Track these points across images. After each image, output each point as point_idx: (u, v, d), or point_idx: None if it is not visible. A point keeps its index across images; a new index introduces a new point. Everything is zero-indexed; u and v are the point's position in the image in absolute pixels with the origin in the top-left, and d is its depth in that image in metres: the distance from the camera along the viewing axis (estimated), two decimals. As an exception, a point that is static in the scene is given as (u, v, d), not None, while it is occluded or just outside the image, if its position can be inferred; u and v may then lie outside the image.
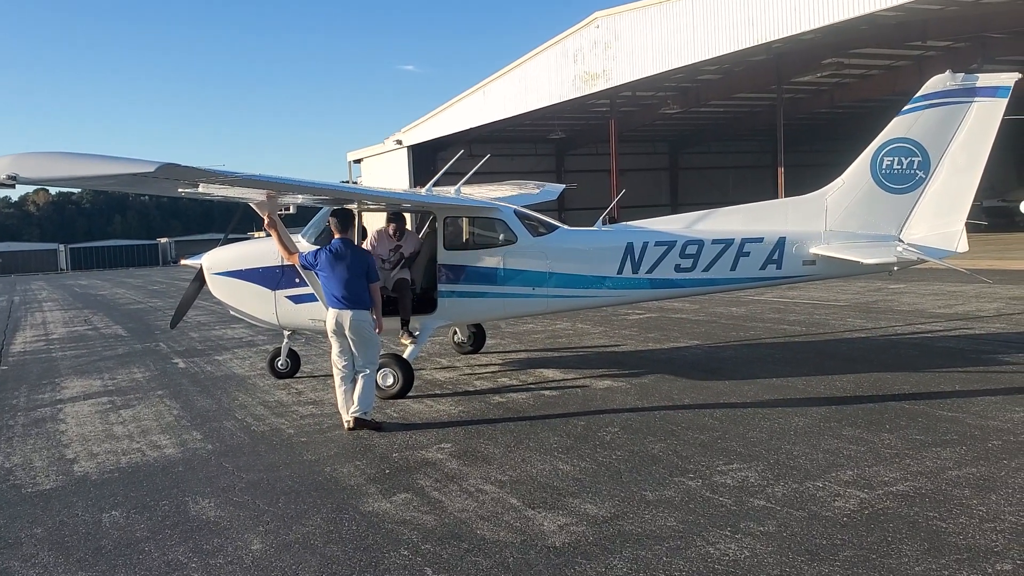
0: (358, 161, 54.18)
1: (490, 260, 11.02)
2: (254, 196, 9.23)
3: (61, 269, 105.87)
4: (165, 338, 18.58)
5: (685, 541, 5.74)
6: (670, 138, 58.05)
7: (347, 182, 49.82)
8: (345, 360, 9.05)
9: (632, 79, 33.40)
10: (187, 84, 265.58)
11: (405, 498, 6.93)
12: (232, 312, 12.17)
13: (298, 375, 12.42)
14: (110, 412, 10.92)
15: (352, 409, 9.00)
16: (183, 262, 13.36)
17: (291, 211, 10.77)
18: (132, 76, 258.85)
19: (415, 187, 38.30)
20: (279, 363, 12.41)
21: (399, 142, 48.17)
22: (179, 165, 5.69)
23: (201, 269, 12.07)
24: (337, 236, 9.06)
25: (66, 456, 8.88)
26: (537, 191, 15.69)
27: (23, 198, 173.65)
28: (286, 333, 12.14)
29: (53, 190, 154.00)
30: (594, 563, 5.47)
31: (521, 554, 5.68)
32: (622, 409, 9.44)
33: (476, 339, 13.54)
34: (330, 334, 9.05)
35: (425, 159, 47.90)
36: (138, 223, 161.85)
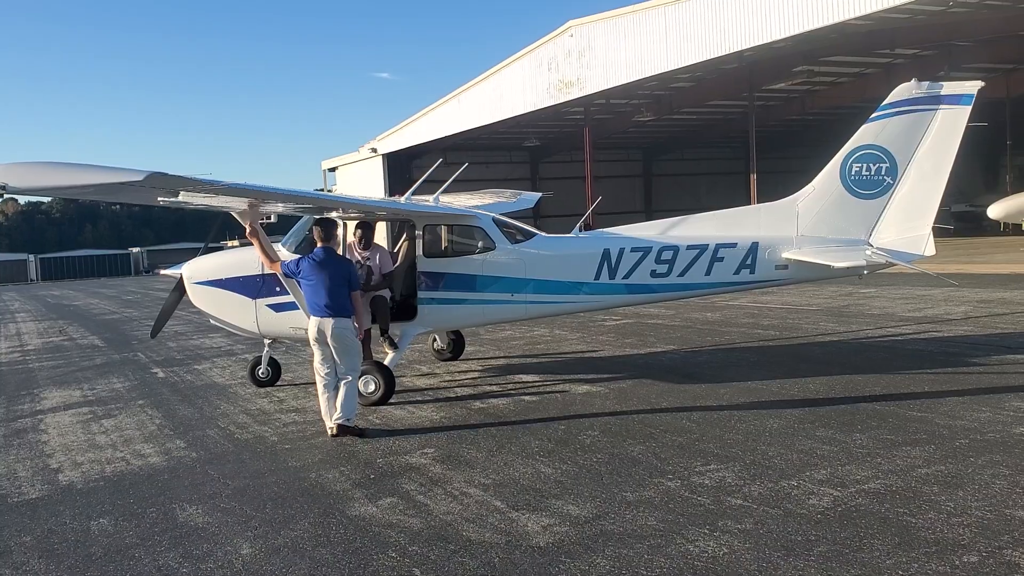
0: (333, 169, 54.15)
1: (469, 267, 11.18)
2: (236, 205, 9.35)
3: (31, 279, 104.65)
4: (143, 348, 18.57)
5: (665, 539, 5.91)
6: (644, 145, 58.54)
7: (322, 191, 49.78)
8: (327, 368, 9.16)
9: (606, 87, 33.72)
10: (160, 92, 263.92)
11: (391, 502, 7.06)
12: (212, 321, 12.24)
13: (279, 383, 12.49)
14: (91, 422, 10.95)
15: (335, 416, 9.11)
16: (162, 272, 13.41)
17: (271, 220, 10.83)
18: (105, 85, 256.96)
19: (393, 196, 38.40)
20: (260, 372, 12.47)
21: (374, 150, 48.25)
22: (167, 174, 5.80)
23: (181, 279, 12.13)
24: (320, 244, 9.17)
25: (50, 466, 8.92)
26: (514, 199, 15.90)
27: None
28: (267, 342, 12.22)
29: (22, 200, 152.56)
30: (578, 562, 5.63)
31: (507, 554, 5.83)
32: (601, 413, 9.61)
33: (455, 346, 13.68)
34: (312, 342, 9.16)
35: (400, 167, 48.01)
36: (109, 232, 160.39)
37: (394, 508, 6.91)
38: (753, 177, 35.29)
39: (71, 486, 8.14)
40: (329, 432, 9.20)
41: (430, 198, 12.77)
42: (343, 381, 9.10)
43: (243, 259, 11.69)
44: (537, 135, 47.79)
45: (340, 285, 8.99)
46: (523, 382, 11.67)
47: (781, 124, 48.91)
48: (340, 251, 10.88)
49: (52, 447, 9.75)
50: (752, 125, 36.70)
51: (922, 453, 7.48)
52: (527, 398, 10.64)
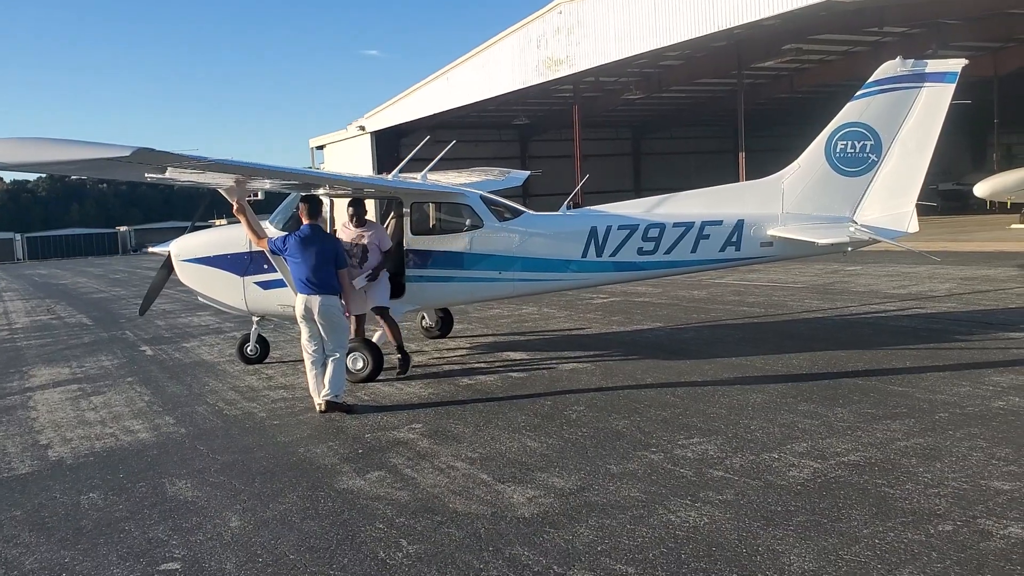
0: (321, 147, 53.96)
1: (457, 245, 11.23)
2: (223, 182, 9.35)
3: (18, 259, 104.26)
4: (131, 326, 18.58)
5: (648, 510, 6.02)
6: (633, 124, 58.53)
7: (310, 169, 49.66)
8: (315, 345, 9.22)
9: (595, 65, 33.63)
10: (144, 71, 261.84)
11: (379, 476, 7.15)
12: (201, 299, 12.28)
13: (268, 360, 12.54)
14: (80, 399, 11.00)
15: (323, 392, 9.18)
16: (150, 249, 13.41)
17: (259, 197, 10.88)
18: (91, 63, 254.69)
19: (381, 173, 38.31)
20: (248, 349, 12.52)
21: (362, 128, 48.08)
22: (154, 150, 5.83)
23: (169, 256, 12.15)
24: (306, 222, 9.20)
25: (39, 442, 8.98)
26: (502, 177, 15.92)
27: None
28: (255, 319, 12.26)
29: (7, 178, 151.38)
30: (562, 532, 5.73)
31: (492, 525, 5.93)
32: (587, 389, 9.71)
33: (444, 323, 13.75)
34: (299, 319, 9.22)
35: (388, 145, 47.86)
36: (96, 211, 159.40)
37: (382, 481, 7.00)
38: (742, 156, 35.34)
39: (61, 462, 8.20)
40: (317, 408, 9.27)
41: (418, 176, 12.80)
42: (331, 358, 9.16)
43: (231, 236, 11.71)
44: (526, 113, 47.69)
45: (326, 262, 9.04)
46: (511, 359, 11.76)
47: (770, 102, 48.90)
48: (328, 228, 10.94)
49: (41, 424, 9.80)
50: (741, 103, 36.74)
51: (902, 426, 7.60)
52: (514, 375, 10.73)
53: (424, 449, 7.81)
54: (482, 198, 11.48)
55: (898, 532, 5.40)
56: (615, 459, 7.17)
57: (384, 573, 5.30)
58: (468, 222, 11.33)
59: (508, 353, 12.19)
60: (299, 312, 9.16)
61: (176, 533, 6.18)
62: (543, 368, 11.03)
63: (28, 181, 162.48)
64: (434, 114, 43.18)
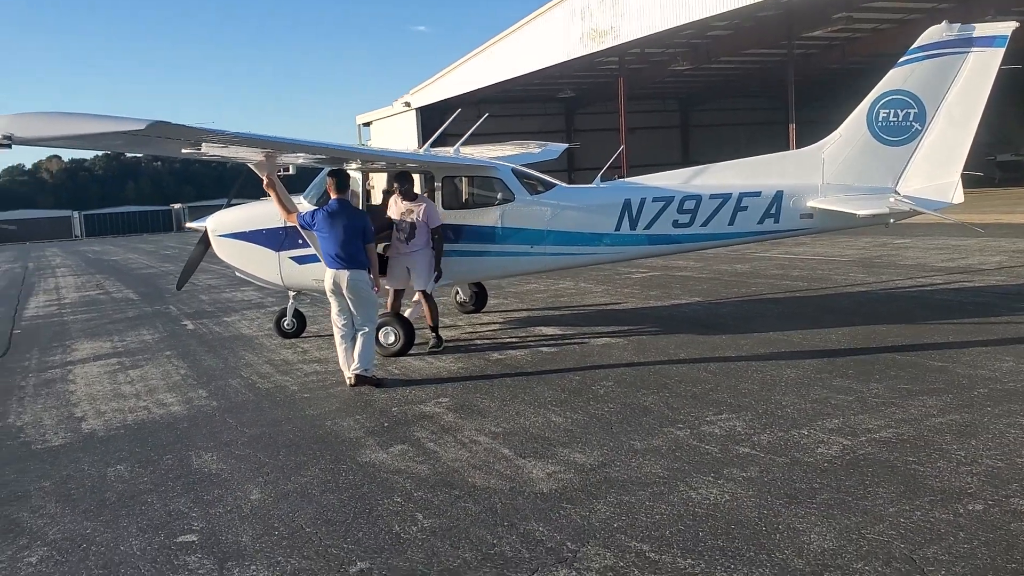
0: (367, 124, 54.07)
1: (488, 219, 11.12)
2: (252, 156, 9.35)
3: (76, 236, 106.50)
4: (175, 301, 18.82)
5: (668, 487, 5.90)
6: (681, 95, 57.65)
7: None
8: (344, 319, 9.22)
9: (640, 36, 33.11)
10: (194, 46, 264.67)
11: (401, 449, 7.12)
12: (238, 274, 12.36)
13: (304, 335, 12.60)
14: (119, 372, 11.16)
15: (353, 366, 9.18)
16: (188, 225, 13.53)
17: (290, 172, 10.87)
18: (137, 36, 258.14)
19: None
20: (285, 323, 12.60)
21: (407, 104, 48.02)
22: (169, 123, 5.81)
23: (206, 232, 12.24)
24: (335, 196, 9.16)
25: (75, 414, 9.11)
26: (538, 150, 15.74)
27: (36, 165, 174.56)
28: (291, 293, 12.32)
29: (65, 156, 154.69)
30: (579, 508, 5.64)
31: (509, 500, 5.86)
32: (618, 364, 9.59)
33: (478, 298, 13.68)
34: (328, 294, 9.22)
35: (434, 121, 47.69)
36: (151, 189, 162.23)
37: (404, 455, 6.97)
38: (792, 127, 34.60)
39: (93, 434, 8.31)
40: (348, 382, 9.28)
41: (450, 149, 12.70)
42: (360, 332, 9.15)
43: (266, 212, 11.72)
44: (571, 86, 47.18)
45: (354, 237, 8.99)
46: (543, 334, 11.66)
47: (821, 73, 47.78)
48: (362, 203, 10.90)
49: (78, 396, 9.96)
50: (791, 74, 35.93)
51: (938, 402, 7.37)
52: (545, 350, 10.63)
53: (448, 423, 7.76)
54: (513, 171, 11.35)
55: (925, 511, 5.22)
56: (640, 435, 7.06)
57: (398, 547, 5.26)
58: (499, 196, 11.22)
59: (541, 328, 12.10)
60: (328, 286, 9.15)
61: (197, 505, 6.21)
62: (575, 343, 10.92)
63: (85, 160, 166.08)
64: (478, 89, 42.94)
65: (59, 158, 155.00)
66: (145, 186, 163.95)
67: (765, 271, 16.63)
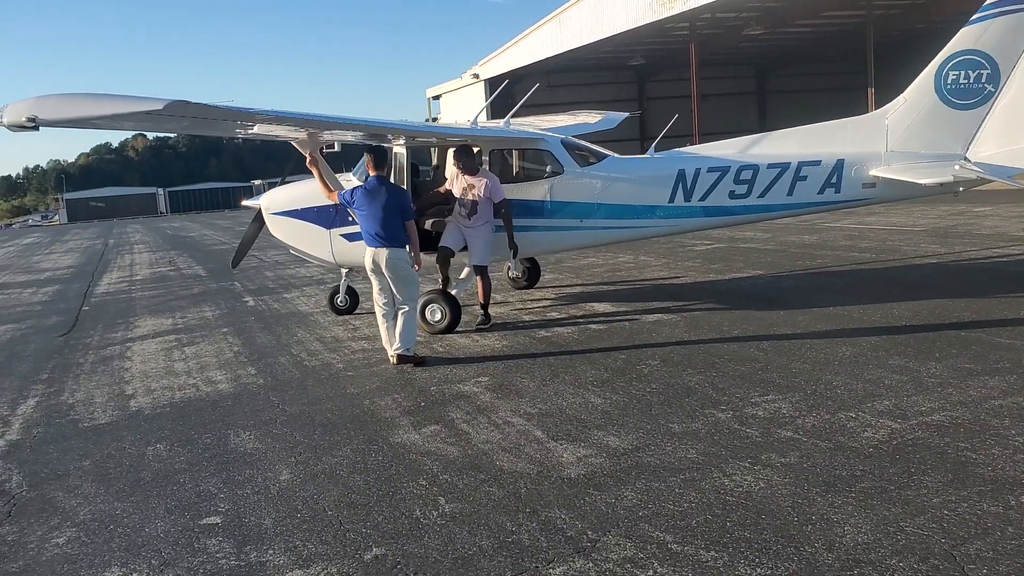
0: (437, 97, 54.04)
1: (536, 193, 10.90)
2: (293, 135, 9.29)
3: (160, 212, 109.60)
4: (242, 277, 19.03)
5: (701, 473, 5.66)
6: (757, 61, 56.16)
7: (429, 120, 49.84)
8: (385, 297, 9.14)
9: (711, 0, 32.27)
10: (267, 24, 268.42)
11: (434, 430, 7.01)
12: (291, 251, 12.39)
13: (357, 311, 12.60)
14: (174, 349, 11.31)
15: (395, 346, 9.10)
16: (244, 203, 13.62)
17: (335, 148, 10.79)
18: (212, 17, 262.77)
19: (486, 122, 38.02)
20: (338, 300, 12.61)
21: (476, 76, 47.78)
22: (189, 102, 5.75)
23: (260, 210, 12.29)
24: (373, 173, 9.04)
25: (125, 392, 9.24)
26: (595, 120, 15.38)
27: (123, 144, 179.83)
28: (343, 271, 12.31)
29: (151, 135, 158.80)
30: (605, 494, 5.45)
31: (535, 485, 5.70)
32: (667, 342, 9.32)
33: (531, 274, 13.47)
34: (368, 272, 9.14)
35: (502, 92, 47.43)
36: (232, 165, 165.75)
37: (436, 436, 6.86)
38: (871, 91, 33.45)
39: (139, 412, 8.41)
40: (391, 360, 9.21)
41: (500, 122, 12.49)
42: (400, 311, 9.06)
43: (317, 189, 11.70)
44: (642, 53, 46.29)
45: (392, 215, 8.84)
46: (593, 311, 11.42)
47: (904, 34, 46.01)
48: (397, 179, 10.77)
49: (132, 374, 10.10)
50: (870, 36, 34.74)
51: (1000, 383, 6.95)
52: (594, 327, 10.41)
53: (485, 403, 7.62)
54: (563, 143, 11.09)
55: (972, 503, 4.89)
56: (679, 418, 6.81)
57: (416, 532, 5.15)
58: (548, 168, 10.99)
59: (593, 304, 11.86)
60: (368, 265, 9.07)
61: (227, 486, 6.20)
62: (625, 320, 10.66)
63: (169, 137, 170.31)
64: (547, 58, 42.45)
65: (144, 136, 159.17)
66: (227, 163, 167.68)
67: (833, 242, 16.06)
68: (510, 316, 11.42)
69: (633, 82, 53.30)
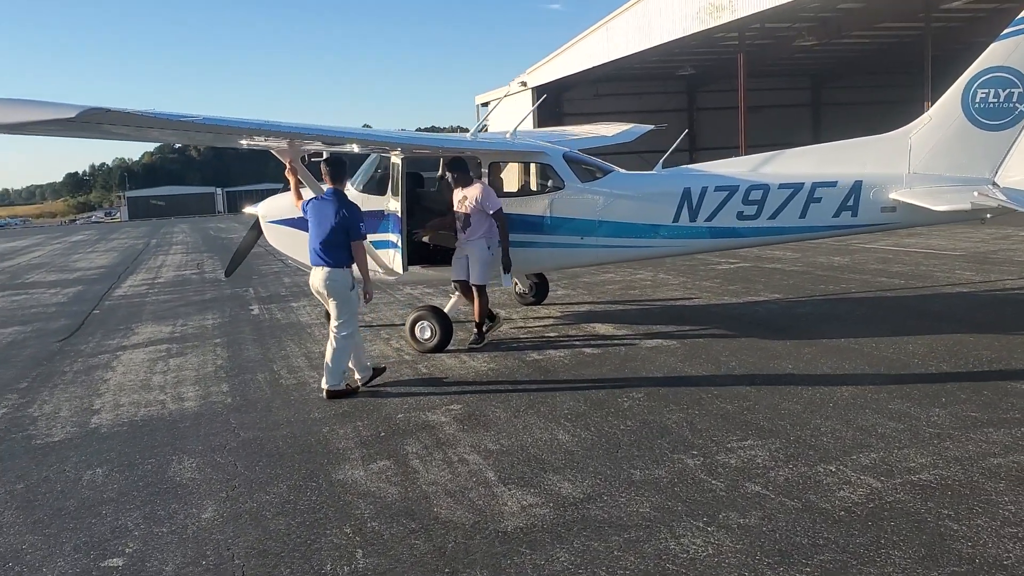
0: (485, 104, 53.68)
1: (535, 208, 10.38)
2: (274, 143, 8.89)
3: (218, 211, 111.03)
4: (259, 283, 18.80)
5: (648, 532, 5.09)
6: (811, 72, 54.87)
7: (480, 127, 49.43)
8: None
9: (759, 10, 31.39)
10: (319, 30, 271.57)
11: (383, 466, 6.52)
12: (288, 261, 12.04)
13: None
14: (159, 360, 10.98)
15: (322, 383, 8.56)
16: (246, 210, 13.30)
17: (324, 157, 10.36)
18: (266, 24, 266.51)
19: (535, 128, 37.48)
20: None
21: (523, 84, 47.36)
22: (108, 110, 5.33)
23: (258, 218, 11.96)
24: (329, 185, 8.53)
25: (92, 407, 8.90)
26: (612, 133, 14.81)
27: (186, 144, 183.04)
28: (342, 282, 11.90)
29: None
30: (536, 554, 4.91)
31: (465, 539, 5.17)
32: (657, 372, 8.73)
33: (538, 290, 12.94)
34: (315, 293, 8.65)
35: (550, 100, 46.94)
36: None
37: (382, 473, 6.37)
38: (928, 105, 32.22)
39: (96, 430, 8.05)
40: (356, 382, 8.68)
41: (508, 133, 11.99)
42: (332, 338, 8.45)
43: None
44: (692, 63, 45.45)
45: (337, 232, 8.27)
46: (593, 333, 10.84)
47: (965, 46, 44.46)
48: (394, 191, 10.33)
49: (108, 386, 9.78)
50: (928, 48, 33.49)
51: (1004, 437, 6.24)
52: (588, 351, 9.84)
53: (447, 436, 7.11)
54: (565, 156, 10.55)
55: (941, 587, 4.26)
56: (644, 462, 6.23)
57: (319, 591, 4.67)
58: (548, 183, 10.47)
59: (595, 325, 11.27)
60: (312, 285, 8.58)
61: (145, 522, 5.78)
62: (623, 344, 10.07)
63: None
64: (595, 67, 41.86)
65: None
66: (283, 164, 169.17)
67: (863, 265, 15.24)
68: (507, 335, 10.90)
69: (683, 92, 52.42)
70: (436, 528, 5.36)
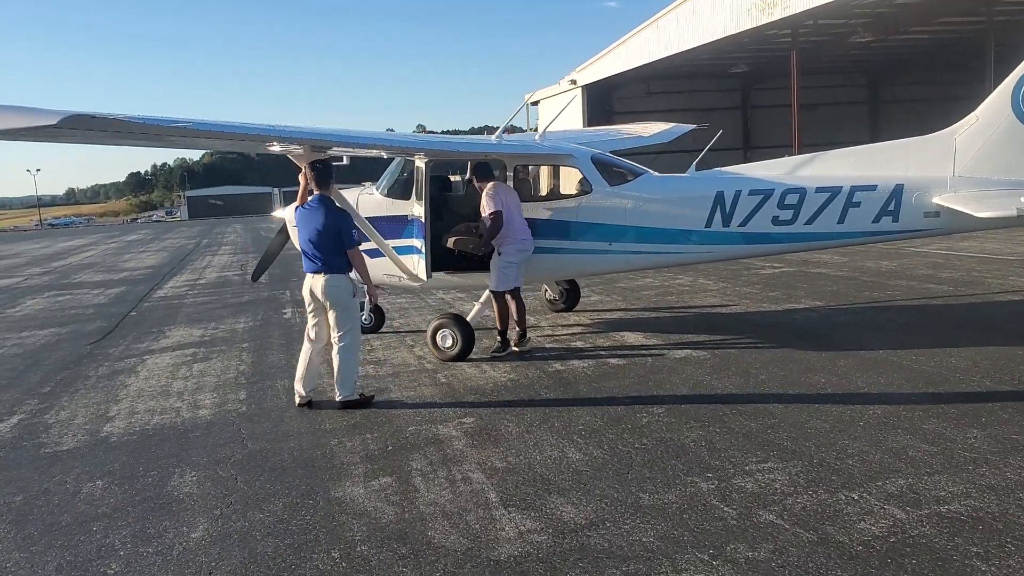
0: (535, 103, 53.33)
1: (562, 212, 10.07)
2: (290, 148, 8.70)
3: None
4: (297, 285, 18.68)
5: (649, 565, 4.76)
6: (869, 69, 53.60)
7: (530, 125, 49.15)
8: (316, 332, 8.42)
9: (813, 6, 30.61)
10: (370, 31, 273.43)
11: (384, 483, 6.28)
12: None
13: (382, 331, 12.02)
14: (184, 365, 10.90)
15: (336, 395, 8.36)
16: (273, 214, 13.20)
17: (343, 162, 10.16)
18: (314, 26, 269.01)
19: (584, 128, 37.06)
20: (363, 318, 12.04)
21: (573, 82, 46.91)
22: (92, 116, 5.16)
23: (285, 222, 11.83)
24: (316, 191, 8.26)
25: (108, 414, 8.80)
26: (650, 133, 14.40)
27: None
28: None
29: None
30: (525, 587, 4.62)
31: (455, 567, 4.90)
32: (682, 385, 8.36)
33: (569, 296, 12.61)
34: (305, 301, 8.42)
35: (600, 98, 46.55)
36: (348, 169, 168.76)
37: (381, 491, 6.12)
38: (988, 103, 31.11)
39: (106, 439, 7.93)
40: (296, 401, 8.47)
41: (537, 135, 11.69)
42: (337, 347, 8.25)
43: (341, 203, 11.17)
44: (745, 60, 44.64)
45: (330, 238, 8.03)
46: (622, 342, 10.49)
47: (1030, 41, 43.04)
48: (418, 195, 10.12)
49: (128, 392, 9.70)
50: (990, 43, 32.46)
51: (1047, 465, 5.79)
52: (613, 361, 9.49)
53: (454, 452, 6.85)
54: (593, 159, 10.22)
55: (961, 639, 3.87)
56: (655, 485, 5.90)
57: (295, 622, 4.43)
58: (576, 187, 10.15)
59: (624, 334, 10.91)
60: (304, 292, 8.36)
61: (133, 541, 5.60)
62: (650, 355, 9.71)
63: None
64: (645, 64, 41.26)
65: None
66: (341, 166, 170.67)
67: (912, 270, 14.64)
68: (534, 343, 10.58)
69: (736, 90, 51.61)
70: (427, 554, 5.09)
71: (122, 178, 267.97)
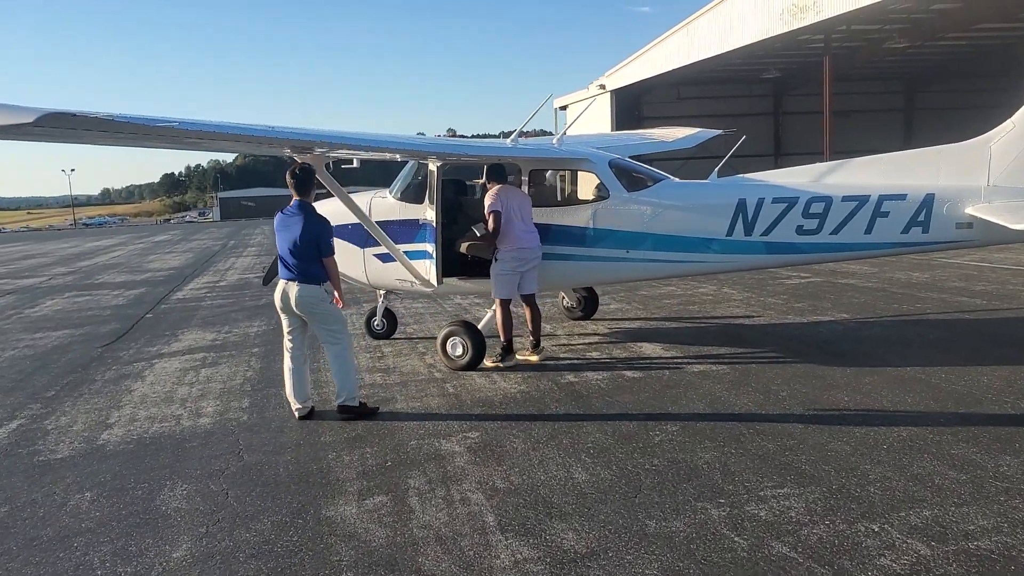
0: (564, 108, 52.97)
1: (577, 218, 9.75)
2: (299, 151, 8.44)
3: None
4: (316, 289, 18.51)
5: (649, 601, 4.43)
6: (905, 76, 52.69)
7: (552, 131, 48.78)
8: (293, 341, 8.16)
9: (846, 11, 30.05)
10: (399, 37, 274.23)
11: (378, 503, 5.99)
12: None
13: (394, 336, 11.77)
14: (191, 371, 10.68)
15: (336, 399, 8.10)
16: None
17: (354, 164, 9.90)
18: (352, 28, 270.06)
19: (610, 132, 36.70)
20: (375, 323, 11.85)
21: (602, 87, 46.49)
22: (71, 114, 4.92)
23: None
24: (296, 198, 7.95)
25: (108, 420, 8.59)
26: (673, 138, 14.04)
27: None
28: (380, 292, 11.53)
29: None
30: (516, 623, 4.30)
31: (442, 598, 4.60)
32: (699, 401, 8.00)
33: (587, 304, 12.28)
34: (278, 309, 8.13)
35: (629, 103, 46.11)
36: (379, 170, 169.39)
37: (375, 512, 5.83)
38: (1026, 111, 30.39)
39: (102, 447, 7.70)
40: (296, 415, 8.17)
41: (554, 139, 11.38)
42: (329, 351, 8.05)
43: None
44: (777, 66, 43.99)
45: (306, 246, 7.75)
46: (639, 353, 10.14)
47: (1072, 48, 42.07)
48: (430, 199, 9.85)
49: (132, 398, 9.48)
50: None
51: (1086, 497, 5.39)
52: (629, 373, 9.15)
53: (455, 469, 6.55)
54: (611, 164, 9.89)
55: None
56: (663, 511, 5.56)
57: (268, 656, 4.14)
58: (592, 192, 9.83)
59: (642, 345, 10.55)
60: (276, 300, 8.07)
61: (112, 560, 5.35)
62: (667, 368, 9.35)
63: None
64: (675, 69, 40.78)
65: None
66: (372, 168, 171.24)
67: (944, 282, 14.14)
68: (548, 352, 10.25)
69: (768, 95, 50.93)
70: (414, 583, 4.80)
71: (156, 179, 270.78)
